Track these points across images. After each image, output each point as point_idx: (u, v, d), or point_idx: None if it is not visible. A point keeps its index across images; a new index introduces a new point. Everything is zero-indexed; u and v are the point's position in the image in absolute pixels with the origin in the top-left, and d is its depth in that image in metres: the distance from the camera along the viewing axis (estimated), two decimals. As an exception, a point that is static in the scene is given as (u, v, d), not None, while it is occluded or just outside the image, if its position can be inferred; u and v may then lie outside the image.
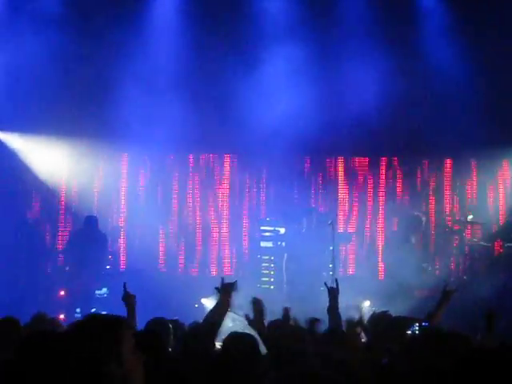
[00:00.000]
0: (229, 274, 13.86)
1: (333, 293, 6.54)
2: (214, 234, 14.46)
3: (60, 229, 14.32)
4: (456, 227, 13.72)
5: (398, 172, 14.49)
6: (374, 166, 14.53)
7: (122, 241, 14.31)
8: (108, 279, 12.73)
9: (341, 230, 13.86)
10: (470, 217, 13.64)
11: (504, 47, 13.00)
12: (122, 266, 14.05)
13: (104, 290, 12.78)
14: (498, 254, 12.93)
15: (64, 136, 13.62)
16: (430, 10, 13.87)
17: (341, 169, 14.58)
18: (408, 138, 13.74)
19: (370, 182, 14.53)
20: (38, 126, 13.49)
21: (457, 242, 13.50)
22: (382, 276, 13.99)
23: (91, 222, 13.24)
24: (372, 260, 14.25)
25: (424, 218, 13.14)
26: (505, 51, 13.00)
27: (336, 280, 6.72)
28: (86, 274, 12.60)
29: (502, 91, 13.23)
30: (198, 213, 14.50)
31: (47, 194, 14.21)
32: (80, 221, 13.66)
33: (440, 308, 6.43)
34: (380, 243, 14.36)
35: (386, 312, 6.24)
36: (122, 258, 14.18)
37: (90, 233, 13.11)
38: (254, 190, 14.55)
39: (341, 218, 14.29)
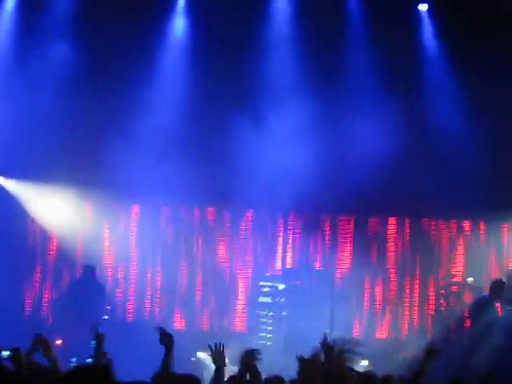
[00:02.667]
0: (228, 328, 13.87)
1: (326, 348, 6.43)
2: (215, 288, 14.39)
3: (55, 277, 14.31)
4: (454, 289, 13.64)
5: (399, 232, 14.50)
6: (376, 224, 14.53)
7: (120, 292, 14.26)
8: (105, 330, 12.63)
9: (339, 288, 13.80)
10: (470, 279, 13.59)
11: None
12: (119, 318, 13.97)
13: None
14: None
15: (69, 185, 13.70)
16: (436, 66, 14.01)
17: (345, 227, 14.56)
18: (411, 198, 13.73)
19: (373, 241, 14.52)
20: (43, 174, 13.60)
21: (453, 303, 13.41)
22: (382, 335, 13.93)
23: (89, 271, 13.27)
24: (371, 320, 14.17)
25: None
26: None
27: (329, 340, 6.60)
28: (84, 324, 12.54)
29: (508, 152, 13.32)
30: (200, 267, 14.43)
31: (47, 242, 14.24)
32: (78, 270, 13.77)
33: (422, 367, 6.27)
34: (378, 303, 14.27)
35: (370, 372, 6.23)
36: (119, 309, 14.12)
37: (88, 283, 13.13)
38: (256, 245, 14.50)
39: (339, 276, 14.21)
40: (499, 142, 13.34)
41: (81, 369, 3.95)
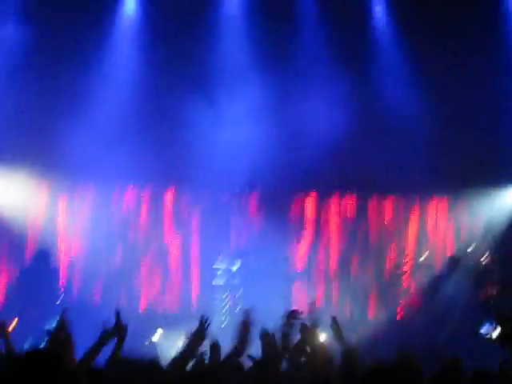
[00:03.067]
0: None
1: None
2: (166, 269, 14.35)
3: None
4: (406, 268, 13.76)
5: (351, 209, 14.56)
6: (327, 202, 14.60)
7: (73, 274, 14.12)
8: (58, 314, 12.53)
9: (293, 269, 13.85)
10: (422, 257, 13.70)
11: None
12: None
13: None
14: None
15: (18, 166, 13.52)
16: (386, 41, 14.07)
17: (298, 206, 14.61)
18: (360, 174, 13.80)
19: (324, 219, 14.58)
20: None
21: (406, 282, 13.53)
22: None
23: (43, 256, 13.17)
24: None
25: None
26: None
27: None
28: (37, 309, 12.47)
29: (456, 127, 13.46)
30: (152, 249, 14.39)
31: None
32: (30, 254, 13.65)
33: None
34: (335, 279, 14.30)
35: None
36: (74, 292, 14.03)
37: (41, 267, 13.04)
38: (210, 225, 14.47)
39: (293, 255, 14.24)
40: (448, 116, 13.45)
41: (32, 353, 3.88)
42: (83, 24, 13.36)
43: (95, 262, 14.12)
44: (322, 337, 10.14)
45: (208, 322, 6.12)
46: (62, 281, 13.40)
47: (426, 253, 13.67)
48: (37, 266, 13.16)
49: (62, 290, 13.38)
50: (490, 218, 13.41)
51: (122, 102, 13.48)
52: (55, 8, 13.24)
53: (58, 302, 13.10)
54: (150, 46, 13.80)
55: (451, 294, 12.30)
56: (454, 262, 12.62)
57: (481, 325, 11.40)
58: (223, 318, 13.16)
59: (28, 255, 13.92)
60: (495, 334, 10.99)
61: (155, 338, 12.29)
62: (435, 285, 12.67)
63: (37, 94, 13.12)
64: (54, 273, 13.15)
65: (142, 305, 14.10)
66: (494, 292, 12.32)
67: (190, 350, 5.98)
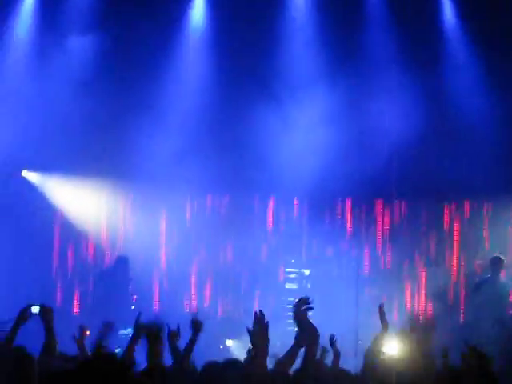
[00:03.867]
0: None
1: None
2: (238, 275, 14.44)
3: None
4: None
5: (420, 214, 14.46)
6: (396, 207, 14.53)
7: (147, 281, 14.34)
8: (133, 319, 12.72)
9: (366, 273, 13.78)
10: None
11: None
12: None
13: (129, 329, 12.79)
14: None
15: (91, 176, 13.79)
16: (456, 44, 13.93)
17: (369, 211, 14.57)
18: (432, 179, 13.70)
19: (393, 224, 14.50)
20: (66, 166, 13.71)
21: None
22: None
23: (122, 262, 13.38)
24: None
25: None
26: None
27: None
28: (113, 313, 12.65)
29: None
30: (221, 253, 14.50)
31: (77, 235, 14.34)
32: (106, 260, 13.90)
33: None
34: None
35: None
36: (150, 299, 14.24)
37: (120, 272, 13.24)
38: (280, 230, 14.53)
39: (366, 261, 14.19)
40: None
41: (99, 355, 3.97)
42: (152, 33, 13.54)
43: (166, 269, 14.35)
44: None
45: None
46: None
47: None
48: (114, 273, 13.38)
49: (135, 297, 13.56)
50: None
51: (192, 110, 13.64)
52: (124, 18, 13.48)
53: (133, 308, 13.28)
54: (217, 54, 13.91)
55: (495, 295, 12.16)
56: (496, 263, 12.45)
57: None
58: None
59: (106, 261, 14.24)
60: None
61: (229, 343, 12.36)
62: (478, 285, 12.57)
63: (109, 104, 13.36)
64: (129, 280, 13.34)
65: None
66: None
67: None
